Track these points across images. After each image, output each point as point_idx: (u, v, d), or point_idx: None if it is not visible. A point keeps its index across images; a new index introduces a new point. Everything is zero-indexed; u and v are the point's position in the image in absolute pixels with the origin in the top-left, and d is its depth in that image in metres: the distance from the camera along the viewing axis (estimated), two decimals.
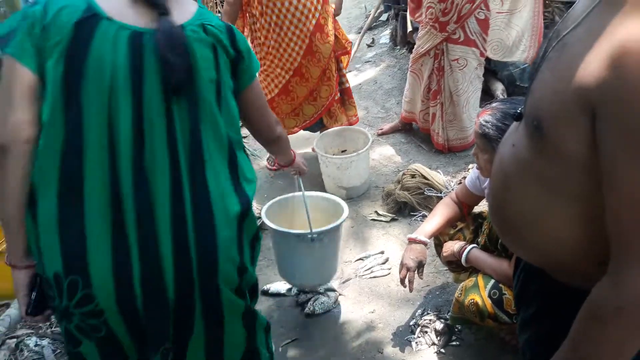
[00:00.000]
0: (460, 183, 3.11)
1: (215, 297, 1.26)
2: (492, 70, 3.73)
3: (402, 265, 2.06)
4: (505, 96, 3.71)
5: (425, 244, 2.08)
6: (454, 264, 2.14)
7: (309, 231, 2.14)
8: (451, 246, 2.08)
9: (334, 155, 3.21)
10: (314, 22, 2.89)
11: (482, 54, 3.19)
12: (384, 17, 5.67)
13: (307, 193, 2.28)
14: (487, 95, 3.66)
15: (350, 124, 3.40)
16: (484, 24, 3.08)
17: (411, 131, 3.76)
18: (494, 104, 1.76)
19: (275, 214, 2.37)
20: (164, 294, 1.19)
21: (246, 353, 1.41)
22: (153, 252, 1.16)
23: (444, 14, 3.03)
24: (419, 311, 2.32)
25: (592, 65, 0.76)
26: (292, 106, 3.17)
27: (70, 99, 1.10)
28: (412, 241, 2.09)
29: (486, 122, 1.71)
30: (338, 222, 2.23)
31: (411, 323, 2.26)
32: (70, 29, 1.08)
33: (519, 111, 1.00)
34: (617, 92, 0.73)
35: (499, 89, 3.73)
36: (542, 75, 0.89)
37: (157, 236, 1.16)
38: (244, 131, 4.05)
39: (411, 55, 3.45)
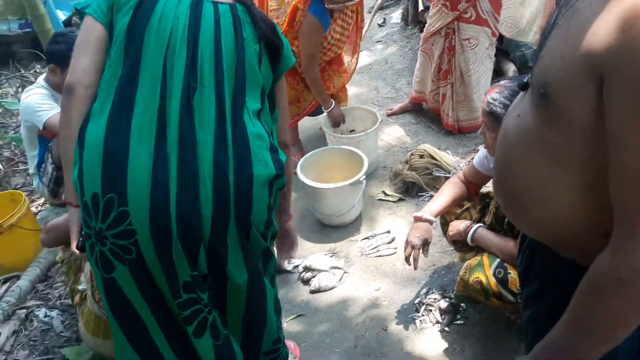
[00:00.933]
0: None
1: (247, 228, 1.32)
2: (504, 50, 3.67)
3: (407, 243, 2.06)
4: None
5: (431, 222, 2.07)
6: (460, 243, 2.13)
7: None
8: (457, 225, 2.08)
9: (342, 134, 3.20)
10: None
11: (494, 34, 3.14)
12: None
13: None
14: (498, 76, 3.61)
15: None
16: (496, 3, 3.03)
17: (421, 111, 3.72)
18: (502, 82, 1.74)
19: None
20: (199, 218, 1.22)
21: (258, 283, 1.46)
22: (192, 174, 1.21)
23: None
24: (424, 290, 2.32)
25: (602, 30, 0.74)
26: (296, 91, 3.15)
27: (134, 39, 1.27)
28: (417, 219, 2.08)
29: (494, 99, 1.70)
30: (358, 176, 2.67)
31: (416, 301, 2.27)
32: None
33: (525, 80, 0.98)
34: (626, 56, 0.71)
35: (510, 69, 3.68)
36: (551, 43, 0.87)
37: (197, 161, 1.22)
38: None
39: (422, 35, 3.40)
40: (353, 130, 3.32)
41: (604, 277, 0.80)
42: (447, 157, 3.00)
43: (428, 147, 3.03)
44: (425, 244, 2.06)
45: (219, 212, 1.24)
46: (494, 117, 1.70)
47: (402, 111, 3.76)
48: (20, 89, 4.49)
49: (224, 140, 1.26)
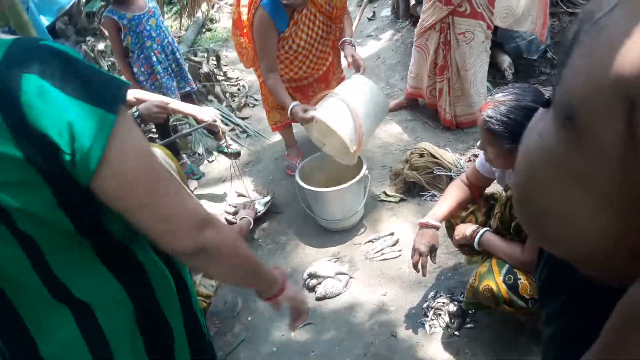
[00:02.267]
0: (470, 160, 3.08)
1: None
2: (498, 43, 3.63)
3: (414, 250, 2.04)
4: (513, 70, 3.64)
5: (437, 228, 2.05)
6: (467, 246, 2.11)
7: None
8: (463, 229, 2.05)
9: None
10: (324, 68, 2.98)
11: (489, 27, 3.10)
12: None
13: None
14: (493, 69, 3.59)
15: None
16: None
17: (417, 107, 3.69)
18: (496, 97, 1.71)
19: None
20: None
21: None
22: None
23: None
24: (432, 293, 2.31)
25: (633, 54, 0.71)
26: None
27: None
28: (423, 226, 2.06)
29: (490, 117, 1.68)
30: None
31: (424, 306, 2.26)
32: None
33: (547, 97, 0.95)
34: None
35: (505, 61, 3.65)
36: (575, 62, 0.84)
37: None
38: (246, 112, 4.06)
39: (415, 30, 3.36)
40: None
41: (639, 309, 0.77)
42: (447, 155, 2.97)
43: (427, 145, 3.01)
44: (433, 250, 2.04)
45: None
46: (492, 134, 1.68)
47: (398, 108, 3.72)
48: None
49: None
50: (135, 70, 3.07)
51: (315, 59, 2.88)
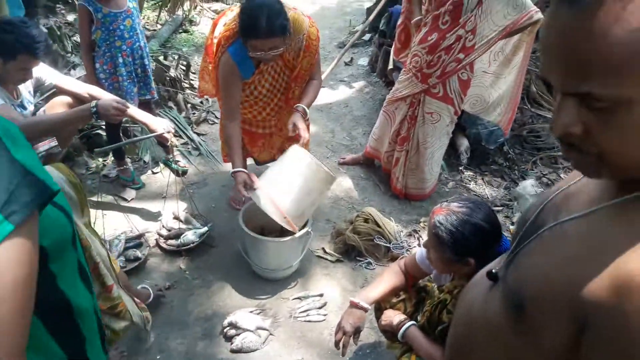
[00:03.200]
0: (410, 235, 3.14)
1: None
2: (461, 125, 3.76)
3: (339, 327, 2.03)
4: (469, 154, 3.76)
5: (366, 310, 2.05)
6: (390, 333, 2.12)
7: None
8: (391, 317, 2.06)
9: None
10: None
11: (456, 112, 3.20)
12: (367, 36, 5.62)
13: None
14: (451, 149, 3.70)
15: None
16: (465, 85, 3.09)
17: (372, 168, 3.74)
18: (451, 205, 1.73)
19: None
20: None
21: None
22: None
23: (428, 66, 3.01)
24: None
25: (595, 281, 0.73)
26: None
27: None
28: (353, 305, 2.05)
29: (440, 223, 1.70)
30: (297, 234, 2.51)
31: None
32: None
33: (494, 272, 0.96)
34: (616, 321, 0.70)
35: (463, 144, 3.78)
36: (533, 253, 0.86)
37: None
38: (204, 128, 3.96)
39: (387, 96, 3.42)
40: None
41: None
42: (390, 225, 3.02)
43: (373, 211, 3.04)
44: (357, 331, 2.03)
45: None
46: (438, 239, 1.71)
47: (354, 163, 3.76)
48: None
49: None
50: (97, 66, 2.94)
51: (276, 107, 2.85)
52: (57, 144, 2.73)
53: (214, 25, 2.80)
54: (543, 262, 0.83)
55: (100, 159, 3.45)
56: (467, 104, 3.29)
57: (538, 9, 2.82)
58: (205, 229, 2.90)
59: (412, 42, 3.16)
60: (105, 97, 2.50)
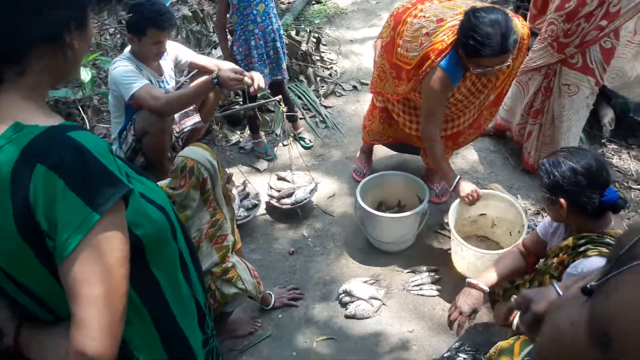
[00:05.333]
0: (538, 213, 2.99)
1: None
2: (605, 94, 3.41)
3: (455, 307, 2.05)
4: (613, 126, 3.42)
5: (484, 291, 2.05)
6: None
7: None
8: (501, 314, 2.05)
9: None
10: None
11: (597, 83, 2.91)
12: None
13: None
14: (592, 119, 3.39)
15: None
16: (608, 54, 2.79)
17: (502, 140, 3.57)
18: (561, 153, 1.82)
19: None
20: None
21: None
22: None
23: (565, 35, 2.76)
24: (457, 344, 2.32)
25: None
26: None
27: None
28: (471, 286, 2.06)
29: (542, 164, 1.84)
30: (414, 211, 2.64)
31: (446, 354, 2.28)
32: None
33: (588, 287, 0.92)
34: None
35: (608, 115, 3.43)
36: (626, 287, 0.80)
37: None
38: (331, 100, 4.08)
39: (521, 66, 3.21)
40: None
41: None
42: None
43: (498, 188, 2.94)
44: (474, 312, 2.05)
45: None
46: (540, 181, 1.83)
47: (483, 134, 3.62)
48: (117, 33, 4.70)
49: None
50: (234, 49, 3.20)
51: (466, 110, 2.70)
52: (200, 119, 3.06)
53: (397, 21, 2.62)
54: (633, 299, 0.77)
55: (238, 132, 3.77)
56: (606, 77, 2.97)
57: None
58: (313, 184, 3.05)
59: (549, 8, 2.91)
60: (227, 66, 2.72)
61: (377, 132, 3.11)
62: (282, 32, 3.32)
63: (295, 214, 3.03)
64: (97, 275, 0.88)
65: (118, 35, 4.59)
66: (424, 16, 2.48)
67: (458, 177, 2.52)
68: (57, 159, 0.85)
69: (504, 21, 2.16)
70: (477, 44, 2.16)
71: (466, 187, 2.51)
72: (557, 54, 2.85)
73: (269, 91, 3.33)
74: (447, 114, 2.67)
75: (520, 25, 2.39)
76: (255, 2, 3.05)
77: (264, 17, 3.11)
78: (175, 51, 2.99)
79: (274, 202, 3.02)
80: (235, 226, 2.15)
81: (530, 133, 3.20)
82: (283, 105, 2.66)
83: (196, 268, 1.26)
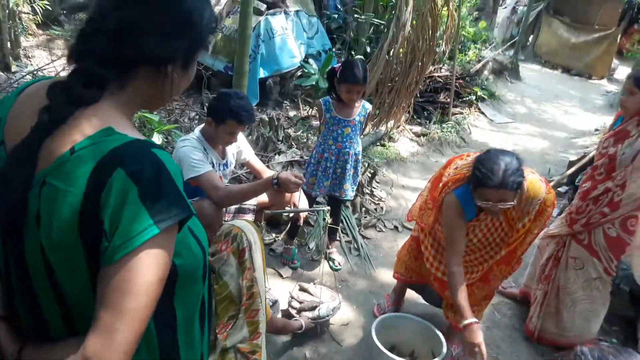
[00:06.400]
0: None
1: None
2: None
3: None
4: None
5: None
6: None
7: None
8: None
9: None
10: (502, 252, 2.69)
11: (607, 271, 2.94)
12: (562, 188, 5.40)
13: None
14: (629, 329, 3.25)
15: None
16: (613, 243, 2.86)
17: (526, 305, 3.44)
18: (602, 343, 1.68)
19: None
20: None
21: None
22: None
23: (577, 212, 2.94)
24: None
25: None
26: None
27: None
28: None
29: (582, 353, 1.59)
30: None
31: None
32: None
33: None
34: None
35: None
36: None
37: None
38: (370, 233, 4.13)
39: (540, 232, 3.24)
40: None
41: None
42: None
43: None
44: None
45: None
46: None
47: (510, 296, 3.61)
48: (196, 118, 5.08)
49: None
50: (313, 152, 3.45)
51: (481, 259, 2.71)
52: (253, 219, 3.16)
53: (449, 163, 2.80)
54: None
55: (274, 234, 3.83)
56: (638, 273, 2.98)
57: None
58: (337, 302, 2.96)
59: None
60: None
61: (403, 261, 3.10)
62: (360, 157, 3.49)
63: (310, 328, 2.92)
64: (137, 289, 0.88)
65: (196, 121, 4.96)
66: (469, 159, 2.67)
67: (475, 320, 2.39)
68: (138, 168, 0.91)
69: (511, 161, 2.29)
70: (480, 175, 2.31)
71: (476, 338, 2.36)
72: (567, 228, 3.00)
73: (324, 201, 3.43)
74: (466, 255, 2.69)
75: (545, 191, 2.49)
76: (343, 124, 3.30)
77: (345, 139, 3.33)
78: (241, 143, 3.17)
79: (293, 312, 2.94)
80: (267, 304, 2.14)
81: (536, 298, 3.20)
82: (329, 217, 2.72)
83: (208, 328, 1.24)
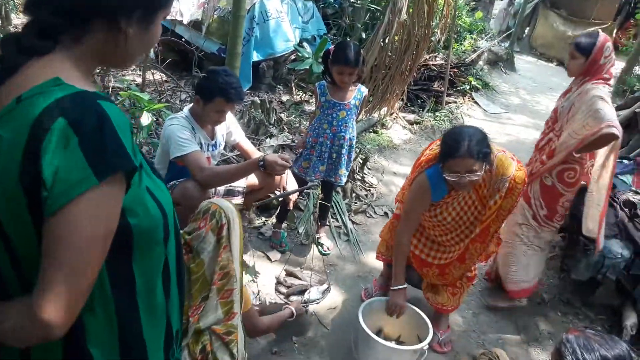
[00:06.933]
0: None
1: None
2: (632, 297, 3.31)
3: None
4: (634, 332, 3.27)
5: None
6: None
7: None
8: None
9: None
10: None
11: (535, 217, 3.19)
12: None
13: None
14: (614, 318, 3.27)
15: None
16: (547, 191, 3.11)
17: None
18: (588, 331, 1.69)
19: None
20: None
21: None
22: None
23: (528, 164, 3.26)
24: None
25: None
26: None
27: None
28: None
29: (567, 341, 1.65)
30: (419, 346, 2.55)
31: None
32: None
33: None
34: None
35: (630, 319, 3.29)
36: None
37: None
38: (360, 218, 4.12)
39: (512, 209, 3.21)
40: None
41: None
42: None
43: (502, 355, 2.79)
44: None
45: None
46: (559, 356, 1.65)
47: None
48: (187, 99, 5.02)
49: None
50: (308, 136, 3.38)
51: (457, 239, 2.74)
52: (242, 203, 3.12)
53: (429, 145, 2.83)
54: None
55: (263, 218, 3.80)
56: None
57: (611, 124, 2.69)
58: (326, 286, 2.94)
59: None
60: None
61: (384, 240, 3.10)
62: (354, 142, 3.45)
63: (301, 314, 2.88)
64: (78, 242, 0.87)
65: (187, 102, 4.90)
66: None
67: (405, 286, 2.77)
68: (79, 118, 0.88)
69: (475, 132, 2.39)
70: (446, 147, 2.41)
71: (399, 300, 2.73)
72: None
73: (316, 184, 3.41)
74: (436, 237, 2.77)
75: (515, 168, 2.52)
76: (338, 107, 3.25)
77: (340, 123, 3.28)
78: (231, 124, 3.13)
79: (281, 297, 2.91)
80: (244, 289, 2.10)
81: None
82: (320, 193, 2.69)
83: (180, 292, 1.21)
